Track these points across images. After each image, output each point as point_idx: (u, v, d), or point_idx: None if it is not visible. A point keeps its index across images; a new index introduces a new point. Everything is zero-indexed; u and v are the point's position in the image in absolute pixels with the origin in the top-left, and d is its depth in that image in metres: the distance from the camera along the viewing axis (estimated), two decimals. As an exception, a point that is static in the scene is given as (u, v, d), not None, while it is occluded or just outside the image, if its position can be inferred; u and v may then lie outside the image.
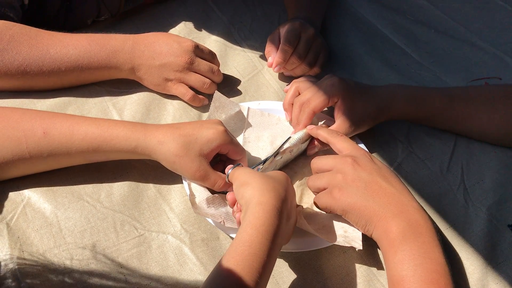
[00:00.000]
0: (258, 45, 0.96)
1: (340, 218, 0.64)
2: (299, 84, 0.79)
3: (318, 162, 0.67)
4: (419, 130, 0.82)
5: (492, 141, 0.80)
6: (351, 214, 0.60)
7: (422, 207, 0.60)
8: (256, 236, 0.53)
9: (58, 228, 0.63)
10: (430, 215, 0.69)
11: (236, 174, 0.62)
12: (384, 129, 0.82)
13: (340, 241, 0.62)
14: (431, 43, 1.02)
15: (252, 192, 0.57)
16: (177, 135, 0.65)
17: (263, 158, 0.75)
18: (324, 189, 0.63)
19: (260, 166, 0.69)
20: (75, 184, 0.68)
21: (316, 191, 0.66)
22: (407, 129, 0.83)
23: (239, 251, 0.52)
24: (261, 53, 0.94)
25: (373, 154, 0.78)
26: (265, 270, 0.52)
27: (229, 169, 0.64)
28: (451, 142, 0.81)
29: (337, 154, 0.68)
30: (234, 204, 0.63)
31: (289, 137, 0.73)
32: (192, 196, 0.65)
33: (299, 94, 0.79)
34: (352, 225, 0.62)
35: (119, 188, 0.69)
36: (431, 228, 0.57)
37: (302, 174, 0.74)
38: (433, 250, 0.55)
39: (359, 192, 0.60)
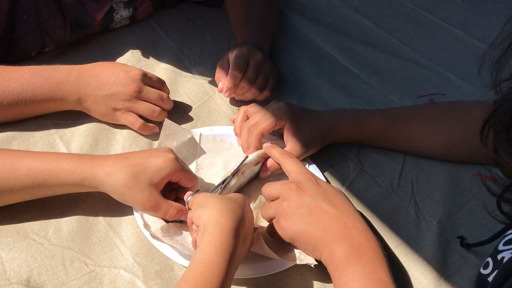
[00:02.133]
0: (208, 71, 0.96)
1: None
2: (248, 109, 0.80)
3: (267, 190, 0.67)
4: (369, 148, 0.84)
5: (437, 157, 0.83)
6: (298, 242, 0.61)
7: (368, 227, 0.60)
8: (216, 257, 0.52)
9: (2, 270, 0.60)
10: (382, 231, 0.71)
11: (196, 199, 0.62)
12: (335, 149, 0.83)
13: (297, 260, 0.62)
14: (377, 63, 1.05)
15: (210, 213, 0.57)
16: (125, 165, 0.64)
17: (216, 184, 0.74)
18: (274, 218, 0.64)
19: (219, 189, 0.68)
20: (20, 222, 0.66)
21: (268, 221, 0.66)
22: (357, 148, 0.84)
23: (198, 272, 0.51)
24: (211, 79, 0.94)
25: (325, 173, 0.79)
26: None
27: (188, 196, 0.64)
28: (400, 158, 0.83)
29: (287, 177, 0.68)
30: (193, 224, 0.62)
31: (247, 156, 0.73)
32: (146, 226, 0.64)
33: (248, 118, 0.79)
34: None
35: (67, 224, 0.66)
36: (375, 247, 0.58)
37: (256, 197, 0.74)
38: (376, 270, 0.55)
39: (303, 219, 0.60)
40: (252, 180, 0.76)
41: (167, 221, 0.66)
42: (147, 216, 0.65)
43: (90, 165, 0.64)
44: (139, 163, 0.64)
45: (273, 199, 0.66)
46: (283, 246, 0.64)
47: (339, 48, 1.08)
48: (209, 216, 0.57)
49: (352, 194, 0.77)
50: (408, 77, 1.02)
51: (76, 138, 0.78)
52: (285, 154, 0.71)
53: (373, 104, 0.93)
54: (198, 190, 0.65)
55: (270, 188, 0.67)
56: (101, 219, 0.68)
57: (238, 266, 0.56)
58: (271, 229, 0.64)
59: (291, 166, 0.68)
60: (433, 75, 1.03)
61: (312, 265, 0.61)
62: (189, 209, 0.63)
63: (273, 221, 0.64)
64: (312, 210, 0.60)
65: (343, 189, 0.77)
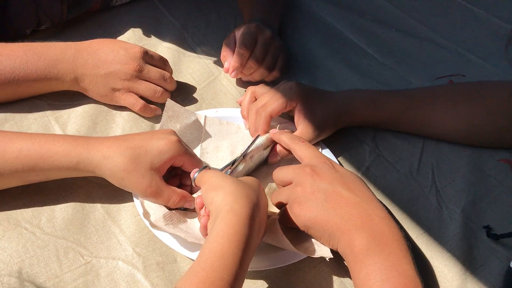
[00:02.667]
0: (213, 51, 0.90)
1: None
2: (255, 89, 0.75)
3: (278, 174, 0.62)
4: (386, 132, 0.78)
5: (458, 141, 0.77)
6: (313, 230, 0.56)
7: (390, 215, 0.55)
8: (229, 247, 0.47)
9: (-10, 261, 0.55)
10: (402, 220, 0.66)
11: (205, 177, 0.56)
12: (349, 133, 0.77)
13: (311, 251, 0.56)
14: (393, 43, 0.99)
15: (224, 197, 0.52)
16: (124, 147, 0.59)
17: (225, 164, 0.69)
18: (286, 204, 0.58)
19: (228, 171, 0.63)
20: (11, 209, 0.61)
21: (279, 207, 0.61)
22: (373, 132, 0.78)
23: (209, 263, 0.46)
24: (216, 58, 0.88)
25: (339, 158, 0.74)
26: (236, 284, 0.47)
27: (195, 173, 0.59)
28: (419, 143, 0.77)
29: (300, 162, 0.63)
30: (202, 208, 0.57)
31: (255, 139, 0.68)
32: (146, 214, 0.59)
33: (256, 99, 0.74)
34: None
35: (62, 211, 0.61)
36: (398, 237, 0.53)
37: (265, 184, 0.68)
38: (400, 262, 0.50)
39: (319, 205, 0.55)
40: (261, 165, 0.71)
41: (170, 209, 0.61)
42: (148, 203, 0.60)
43: (86, 147, 0.59)
44: (139, 146, 0.59)
45: (285, 184, 0.61)
46: (295, 236, 0.59)
47: (353, 27, 1.01)
48: (222, 201, 0.51)
49: (368, 180, 0.71)
50: (425, 58, 0.96)
51: (72, 120, 0.73)
52: (296, 139, 0.65)
53: (389, 86, 0.87)
54: (206, 166, 0.60)
55: (282, 172, 0.61)
56: (98, 206, 0.63)
57: (252, 257, 0.51)
58: (282, 216, 0.59)
59: (303, 151, 0.63)
60: (452, 55, 0.97)
61: (327, 259, 0.56)
62: (195, 186, 0.59)
63: (286, 207, 0.59)
64: (329, 195, 0.55)
65: (359, 174, 0.72)
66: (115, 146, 0.59)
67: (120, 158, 0.58)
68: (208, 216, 0.54)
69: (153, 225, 0.57)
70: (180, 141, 0.61)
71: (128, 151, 0.58)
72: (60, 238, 0.59)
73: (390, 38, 1.00)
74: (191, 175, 0.59)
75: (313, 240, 0.58)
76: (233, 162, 0.64)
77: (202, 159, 0.70)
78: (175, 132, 0.63)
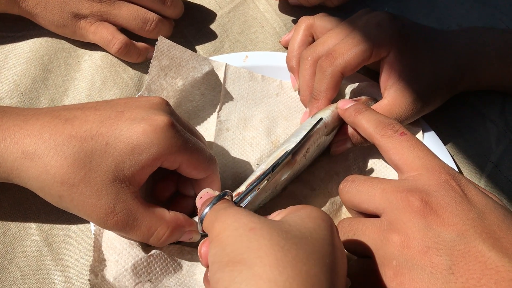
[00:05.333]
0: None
1: None
2: (314, 22, 0.45)
3: (352, 192, 0.33)
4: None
5: None
6: None
7: None
8: None
9: None
10: None
11: (221, 223, 0.27)
12: (466, 103, 0.47)
13: None
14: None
15: (252, 284, 0.23)
16: (65, 137, 0.31)
17: (254, 166, 0.41)
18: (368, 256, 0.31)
19: (254, 191, 0.34)
20: None
21: (352, 251, 0.33)
22: (501, 103, 0.48)
23: None
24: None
25: (448, 146, 0.44)
26: None
27: (205, 206, 0.29)
28: None
29: (392, 165, 0.34)
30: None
31: (318, 122, 0.38)
32: (97, 263, 0.31)
33: (314, 40, 0.44)
34: None
35: (-36, 238, 0.35)
36: None
37: (327, 194, 0.40)
38: None
39: (437, 281, 0.28)
40: (320, 156, 0.42)
41: (148, 250, 0.33)
42: (108, 241, 0.33)
43: (-6, 131, 0.31)
44: (94, 134, 0.31)
45: (365, 212, 0.32)
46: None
47: None
48: None
49: (497, 189, 0.42)
50: None
51: (11, 63, 0.45)
52: (384, 123, 0.35)
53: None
54: (226, 193, 0.31)
55: (360, 191, 0.33)
56: (32, 228, 0.36)
57: None
58: (360, 276, 0.31)
59: (401, 152, 0.33)
60: None
61: None
62: (203, 233, 0.30)
63: (369, 264, 0.31)
64: (458, 260, 0.28)
65: (482, 178, 0.42)
66: (48, 134, 0.31)
67: (55, 158, 0.30)
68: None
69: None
70: (173, 125, 0.32)
71: (71, 145, 0.30)
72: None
73: None
74: (198, 205, 0.30)
75: None
76: (273, 167, 0.34)
77: (219, 140, 0.42)
78: (167, 104, 0.34)
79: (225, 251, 0.25)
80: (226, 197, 0.30)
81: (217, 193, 0.30)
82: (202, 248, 0.29)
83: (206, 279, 0.29)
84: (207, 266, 0.29)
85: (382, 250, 0.30)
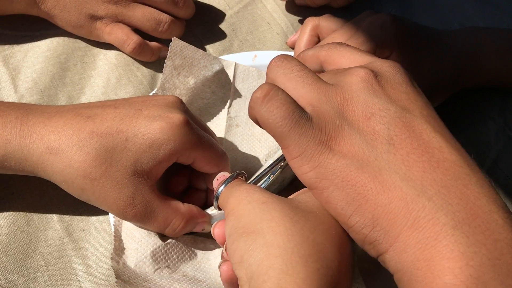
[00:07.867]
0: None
1: None
2: (320, 23, 0.47)
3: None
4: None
5: None
6: (336, 198, 0.27)
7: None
8: None
9: None
10: None
11: (234, 198, 0.29)
12: (467, 100, 0.49)
13: None
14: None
15: (263, 256, 0.25)
16: (87, 133, 0.33)
17: (263, 161, 0.43)
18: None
19: (268, 178, 0.36)
20: None
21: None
22: (501, 99, 0.49)
23: None
24: (258, -32, 0.58)
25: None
26: None
27: (221, 184, 0.31)
28: None
29: None
30: (224, 243, 0.31)
31: None
32: (118, 251, 0.34)
33: (320, 41, 0.47)
34: None
35: (-9, 228, 0.37)
36: None
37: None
38: None
39: (374, 150, 0.27)
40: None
41: (164, 239, 0.35)
42: (127, 230, 0.35)
43: (19, 128, 0.33)
44: (114, 131, 0.33)
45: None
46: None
47: None
48: (259, 263, 0.25)
49: (496, 183, 0.44)
50: None
51: (30, 62, 0.47)
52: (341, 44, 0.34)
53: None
54: (241, 172, 0.33)
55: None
56: (54, 219, 0.38)
57: None
58: None
59: (351, 55, 0.32)
60: None
61: None
62: (219, 210, 0.32)
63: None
64: (398, 133, 0.27)
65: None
66: (71, 130, 0.33)
67: (78, 153, 0.32)
68: (232, 272, 0.29)
69: (123, 278, 0.32)
70: (188, 122, 0.34)
71: (93, 141, 0.32)
72: (-17, 280, 0.35)
73: None
74: (214, 185, 0.33)
75: None
76: (274, 163, 0.36)
77: (229, 135, 0.44)
78: (182, 103, 0.36)
79: (240, 223, 0.27)
80: (239, 176, 0.32)
81: None
82: (215, 229, 0.31)
83: (223, 257, 0.31)
84: (222, 244, 0.31)
85: (325, 105, 0.28)
